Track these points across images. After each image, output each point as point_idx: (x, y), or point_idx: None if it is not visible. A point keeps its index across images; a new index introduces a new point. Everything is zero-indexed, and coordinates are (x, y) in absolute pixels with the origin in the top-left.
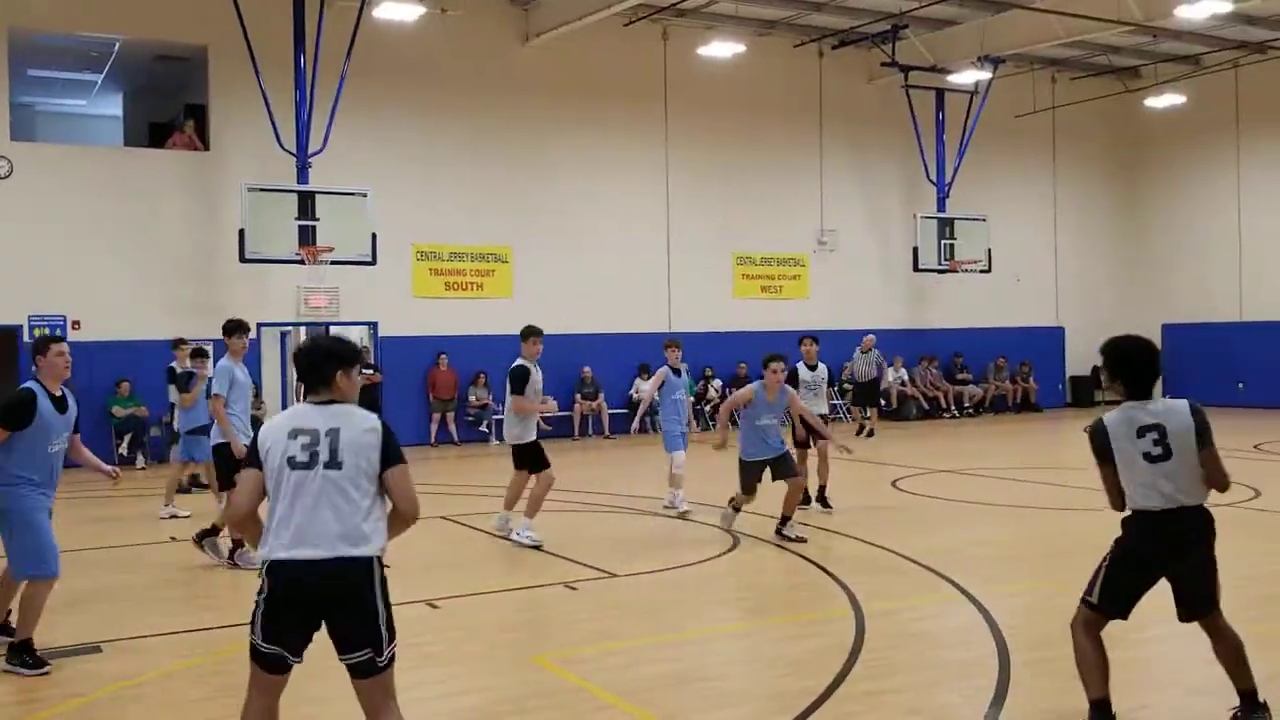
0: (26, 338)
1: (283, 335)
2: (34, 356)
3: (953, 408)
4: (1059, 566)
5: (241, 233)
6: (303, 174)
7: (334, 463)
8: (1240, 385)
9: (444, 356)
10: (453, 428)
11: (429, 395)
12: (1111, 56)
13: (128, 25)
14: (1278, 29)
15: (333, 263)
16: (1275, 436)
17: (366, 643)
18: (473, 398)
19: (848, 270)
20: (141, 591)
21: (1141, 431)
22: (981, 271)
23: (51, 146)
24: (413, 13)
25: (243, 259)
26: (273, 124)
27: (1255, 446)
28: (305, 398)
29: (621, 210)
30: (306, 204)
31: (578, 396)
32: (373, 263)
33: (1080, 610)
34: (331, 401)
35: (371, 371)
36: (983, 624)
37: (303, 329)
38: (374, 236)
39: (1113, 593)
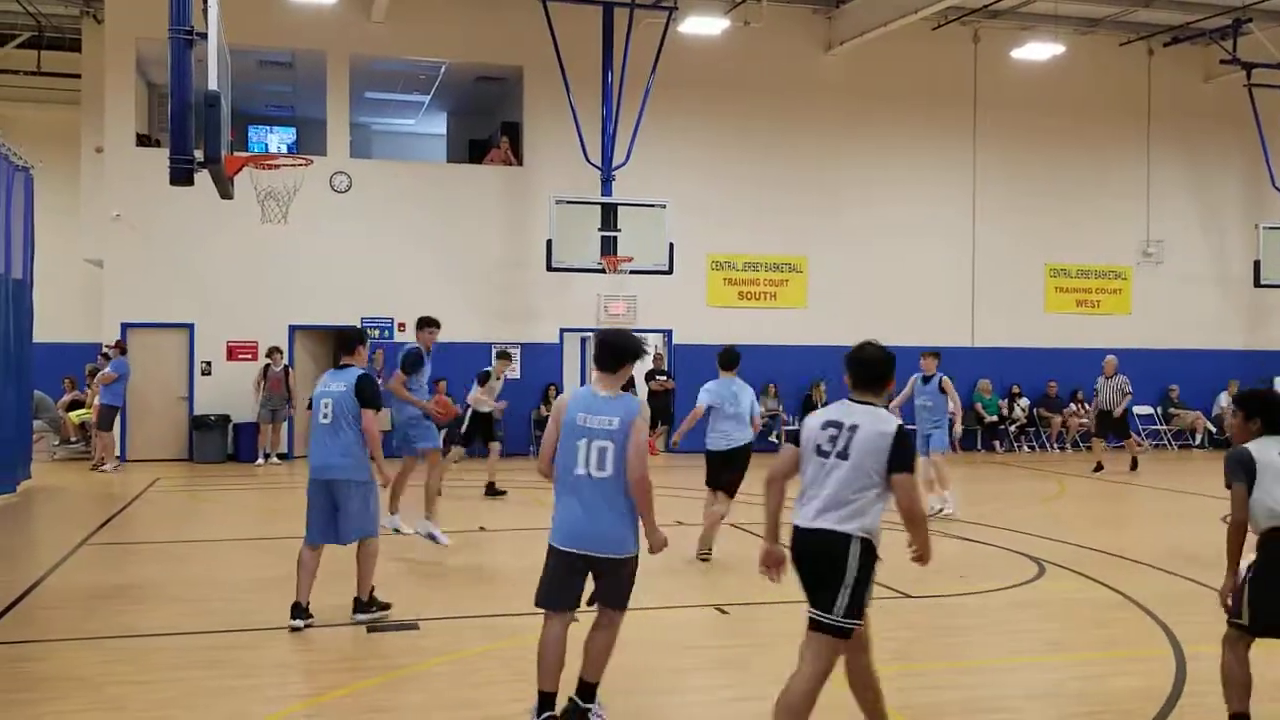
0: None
1: (583, 340)
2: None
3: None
4: None
5: (549, 243)
6: (606, 186)
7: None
8: None
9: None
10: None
11: None
12: None
13: (452, 50)
14: None
15: (632, 272)
16: None
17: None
18: (762, 408)
19: (1177, 284)
20: (451, 575)
21: None
22: None
23: (384, 163)
24: (717, 26)
25: (549, 268)
26: (580, 139)
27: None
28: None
29: (924, 219)
30: (609, 215)
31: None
32: (669, 272)
33: (1230, 630)
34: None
35: (665, 378)
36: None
37: None
38: (671, 246)
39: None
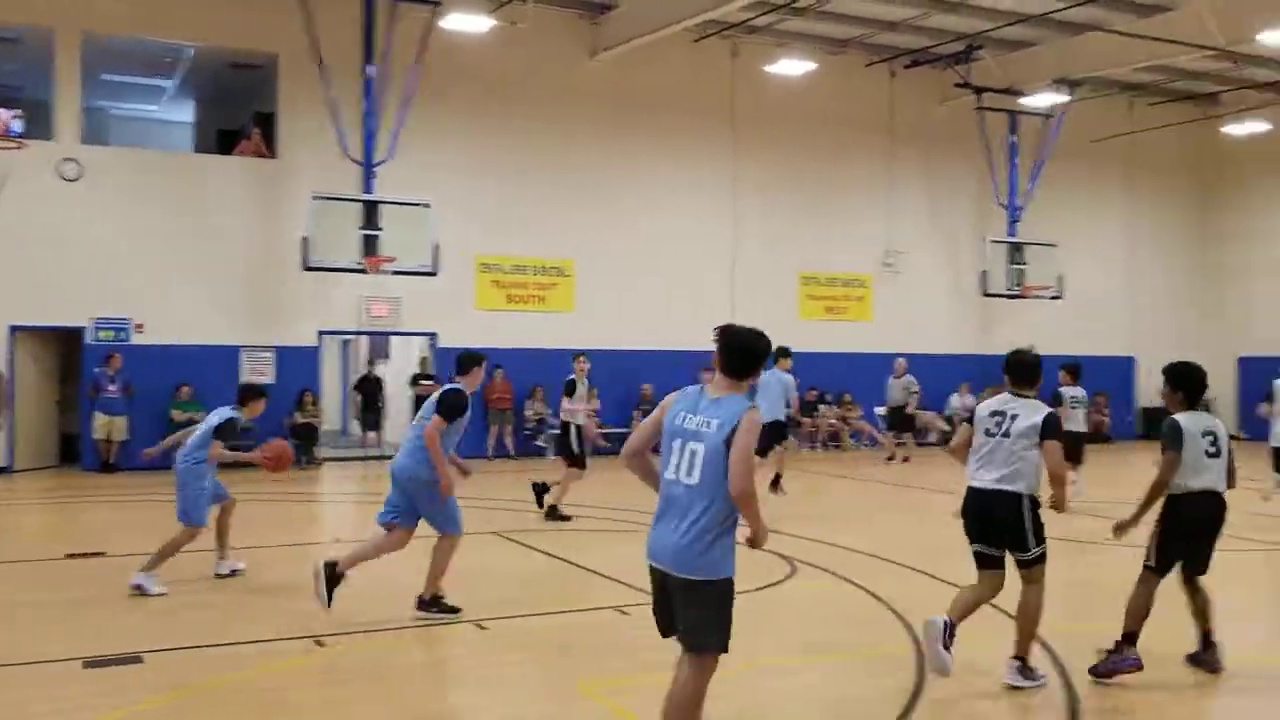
0: (90, 339)
1: (344, 343)
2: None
3: None
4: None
5: (305, 240)
6: (367, 183)
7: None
8: None
9: (500, 370)
10: (509, 441)
11: (485, 408)
12: (1191, 82)
13: (200, 32)
14: None
15: (395, 273)
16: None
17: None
18: (529, 411)
19: (913, 293)
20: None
21: (1205, 434)
22: (1052, 298)
23: (123, 150)
24: (482, 25)
25: (306, 267)
26: (339, 133)
27: (1262, 498)
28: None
29: (686, 226)
30: (370, 214)
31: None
32: (434, 273)
33: (1143, 570)
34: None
35: (430, 382)
36: (1050, 666)
37: (364, 337)
38: (436, 247)
39: (1166, 558)
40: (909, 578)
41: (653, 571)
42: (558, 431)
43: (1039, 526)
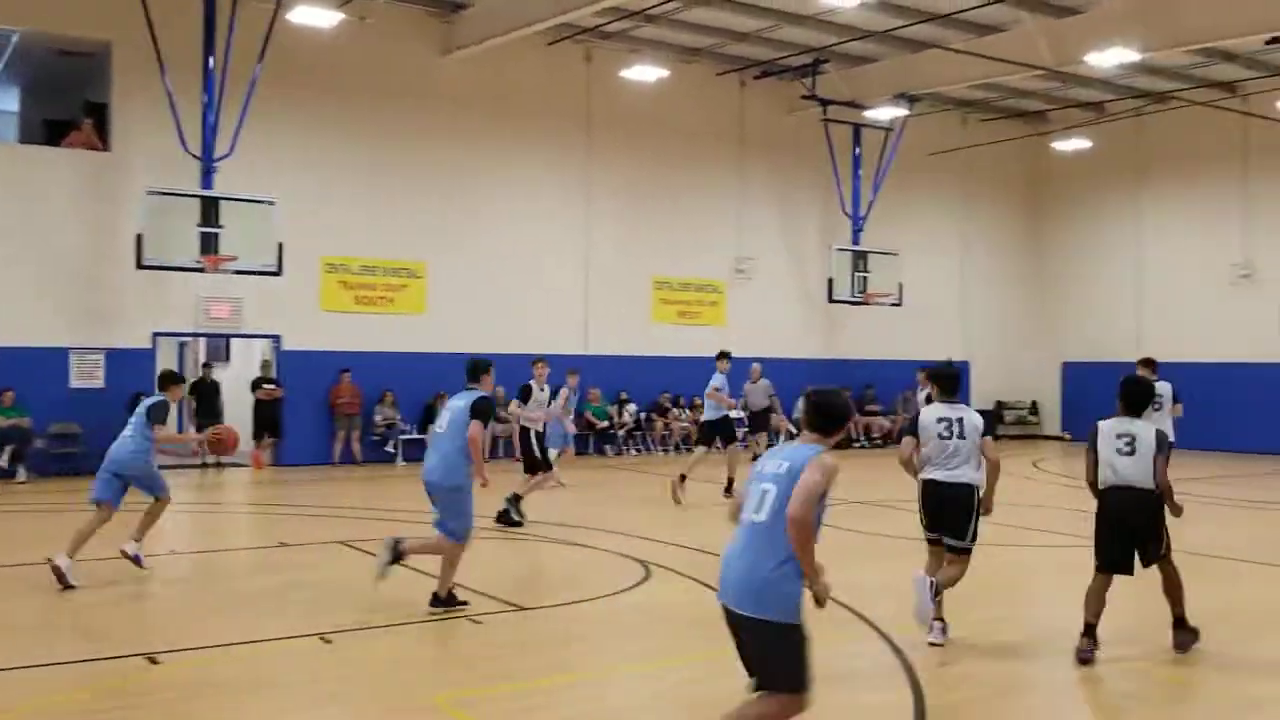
0: None
1: (181, 345)
2: None
3: (862, 438)
4: (970, 604)
5: (139, 238)
6: (207, 179)
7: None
8: None
9: (347, 374)
10: (356, 447)
11: (331, 413)
12: (1022, 100)
13: (23, 16)
14: (1179, 80)
15: (236, 272)
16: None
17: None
18: (378, 417)
19: (764, 299)
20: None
21: (1119, 436)
22: (893, 305)
23: None
24: (329, 19)
25: (140, 265)
26: (178, 126)
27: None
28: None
29: (539, 229)
30: (210, 210)
31: None
32: (278, 273)
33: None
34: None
35: (273, 386)
36: (898, 665)
37: (202, 339)
38: (280, 246)
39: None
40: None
41: (723, 609)
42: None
43: (977, 521)
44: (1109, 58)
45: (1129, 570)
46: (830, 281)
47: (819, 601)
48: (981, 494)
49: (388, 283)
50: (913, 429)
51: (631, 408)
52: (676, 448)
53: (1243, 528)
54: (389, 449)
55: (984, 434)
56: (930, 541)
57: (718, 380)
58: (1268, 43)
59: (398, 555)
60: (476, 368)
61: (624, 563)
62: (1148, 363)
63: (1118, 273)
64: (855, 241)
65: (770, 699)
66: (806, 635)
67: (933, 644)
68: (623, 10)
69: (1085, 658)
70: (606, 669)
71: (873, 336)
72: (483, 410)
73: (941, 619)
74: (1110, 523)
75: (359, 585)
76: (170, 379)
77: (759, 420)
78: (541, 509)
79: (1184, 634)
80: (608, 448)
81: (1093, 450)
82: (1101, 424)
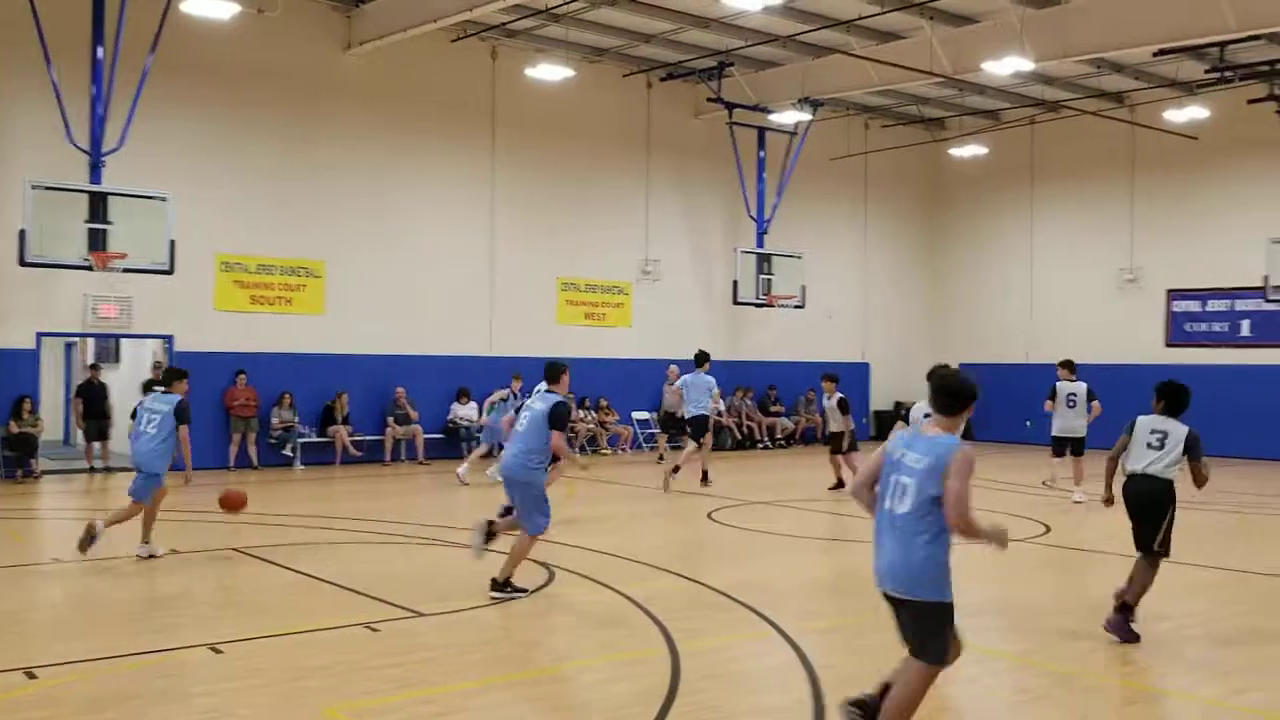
0: None
1: (68, 346)
2: None
3: (765, 439)
4: (868, 601)
5: (22, 233)
6: (95, 173)
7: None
8: (1028, 423)
9: (243, 375)
10: (253, 451)
11: (227, 415)
12: (921, 107)
13: None
14: (1071, 90)
15: (126, 270)
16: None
17: None
18: (276, 419)
19: (670, 300)
20: None
21: (1153, 431)
22: (796, 307)
23: None
24: (226, 10)
25: (23, 262)
26: (64, 117)
27: (1042, 484)
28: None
29: (443, 229)
30: (99, 206)
31: (390, 420)
32: (170, 272)
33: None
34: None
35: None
36: (798, 664)
37: (90, 340)
38: (172, 244)
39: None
40: (664, 580)
41: (885, 596)
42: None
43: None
44: (1004, 66)
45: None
46: (735, 283)
47: (1004, 545)
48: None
49: (285, 282)
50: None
51: None
52: (582, 449)
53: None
54: (287, 452)
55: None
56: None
57: (711, 382)
58: (1155, 55)
59: (490, 535)
60: (555, 370)
61: (526, 566)
62: (1067, 364)
63: (1011, 277)
64: (759, 244)
65: (916, 665)
66: (953, 611)
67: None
68: (528, 8)
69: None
70: (510, 675)
71: (777, 339)
72: (560, 418)
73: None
74: (1128, 508)
75: (252, 593)
76: (175, 374)
77: (672, 422)
78: (438, 513)
79: (1121, 620)
80: None
81: (1127, 434)
82: (1140, 418)
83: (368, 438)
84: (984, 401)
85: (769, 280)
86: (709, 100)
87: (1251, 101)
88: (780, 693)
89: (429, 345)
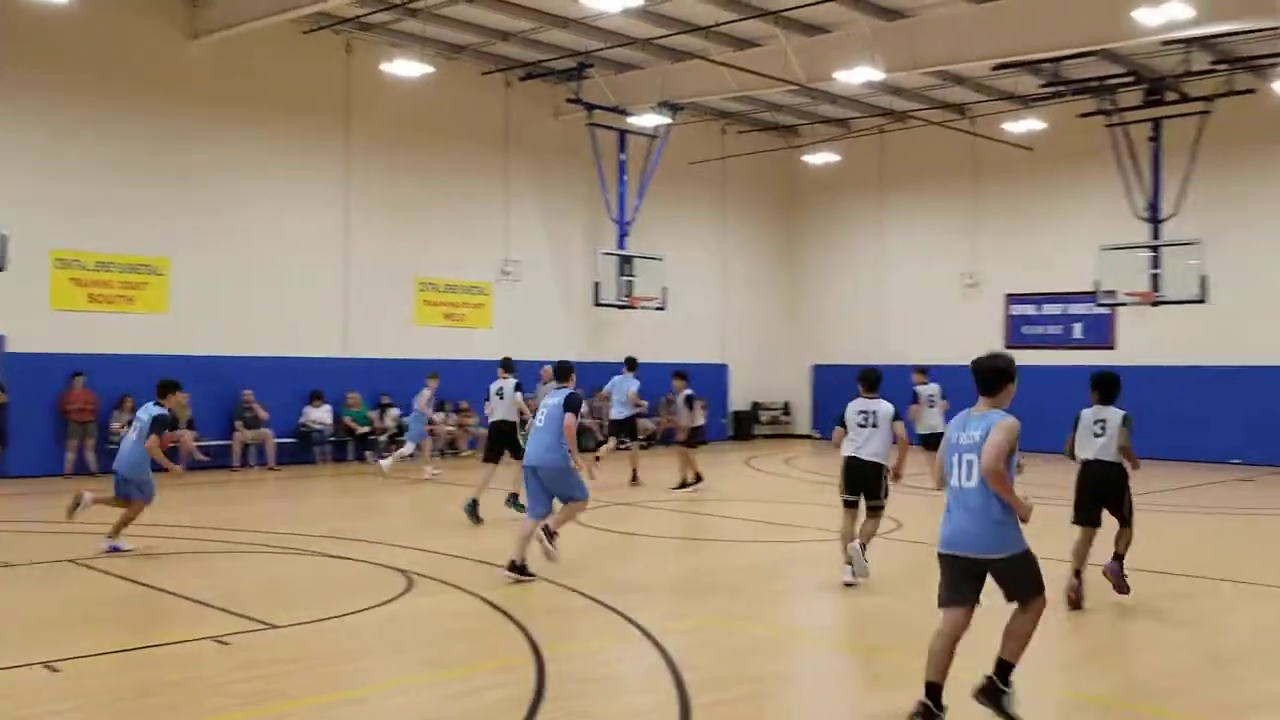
0: None
1: None
2: None
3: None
4: (731, 600)
5: None
6: None
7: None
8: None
9: (80, 378)
10: (91, 457)
11: (62, 420)
12: (776, 114)
13: None
14: (917, 100)
15: None
16: (914, 470)
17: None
18: (115, 424)
19: (531, 301)
20: None
21: (1096, 421)
22: (657, 309)
23: None
24: None
25: None
26: None
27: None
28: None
29: (295, 226)
30: None
31: (238, 424)
32: (1, 269)
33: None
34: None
35: None
36: (663, 665)
37: None
38: (4, 240)
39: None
40: (527, 584)
41: (950, 559)
42: None
43: (887, 486)
44: (855, 76)
45: (1098, 524)
46: (596, 285)
47: (1027, 521)
48: (890, 466)
49: (126, 280)
50: (841, 421)
51: (394, 412)
52: (441, 453)
53: None
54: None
55: (894, 419)
56: (846, 504)
57: (634, 385)
58: (994, 69)
59: (550, 535)
60: (566, 369)
61: (385, 573)
62: (921, 369)
63: (862, 280)
64: (621, 246)
65: (1027, 608)
66: (1033, 552)
67: (848, 583)
68: (384, 2)
69: (1074, 598)
70: (370, 687)
71: (639, 340)
72: (574, 404)
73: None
74: (1087, 488)
75: (91, 607)
76: (169, 387)
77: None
78: (289, 520)
79: (1118, 567)
80: (369, 454)
81: (1074, 430)
82: (1083, 411)
83: (215, 442)
84: (836, 402)
85: (630, 282)
86: (569, 101)
87: (1082, 115)
88: (647, 694)
89: (280, 346)
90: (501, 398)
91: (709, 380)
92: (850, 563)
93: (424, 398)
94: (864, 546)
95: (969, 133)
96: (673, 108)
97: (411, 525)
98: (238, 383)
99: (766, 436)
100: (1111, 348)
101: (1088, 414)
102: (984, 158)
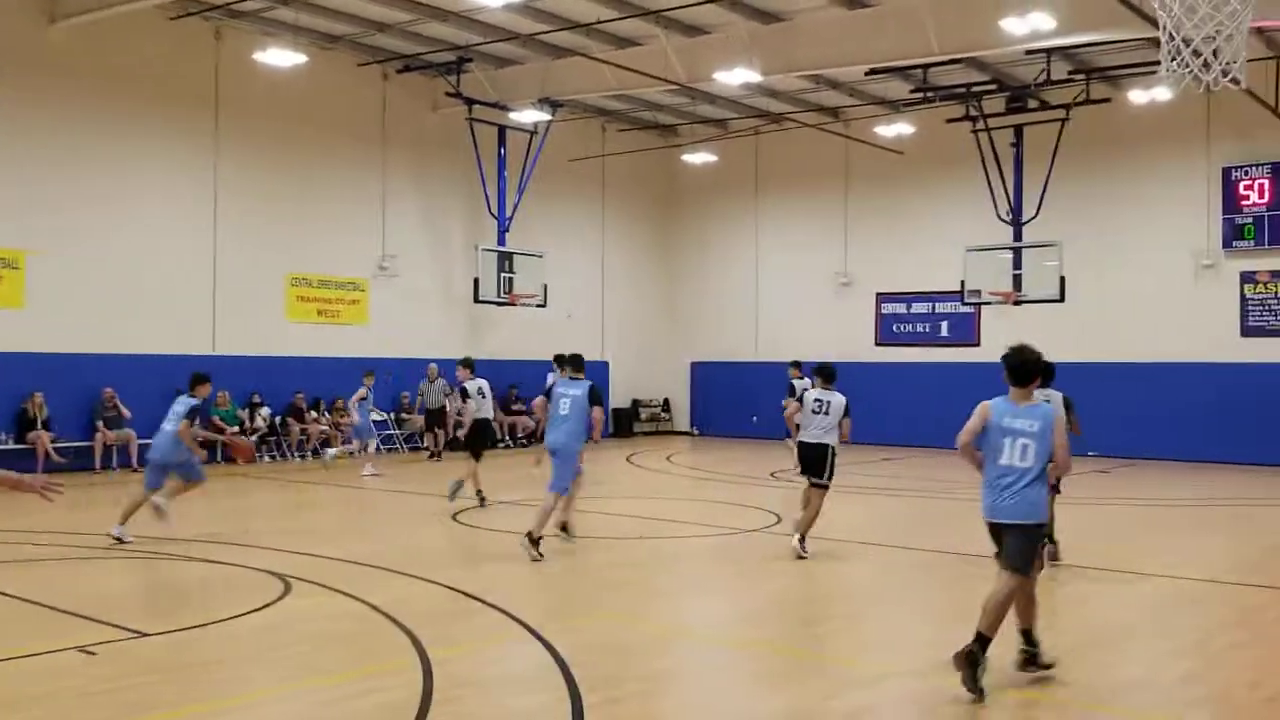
0: None
1: None
2: None
3: (508, 438)
4: (617, 597)
5: None
6: None
7: None
8: (754, 419)
9: None
10: None
11: None
12: (656, 113)
13: None
14: (793, 103)
15: None
16: (788, 465)
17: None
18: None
19: (409, 298)
20: None
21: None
22: (538, 306)
23: None
24: None
25: None
26: None
27: (770, 474)
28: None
29: (161, 219)
30: None
31: (99, 424)
32: None
33: None
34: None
35: None
36: (552, 664)
37: None
38: None
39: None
40: (407, 584)
41: (990, 526)
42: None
43: (834, 467)
44: (734, 77)
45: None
46: (476, 281)
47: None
48: (835, 450)
49: None
50: (799, 400)
51: (265, 411)
52: (314, 453)
53: (854, 510)
54: None
55: (845, 414)
56: (811, 483)
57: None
58: (866, 74)
59: (564, 528)
60: (579, 361)
61: (261, 578)
62: (796, 364)
63: (739, 279)
64: (501, 242)
65: (1012, 582)
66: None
67: (802, 556)
68: None
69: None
70: (248, 694)
71: (520, 338)
72: (598, 397)
73: (804, 539)
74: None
75: None
76: (198, 378)
77: (435, 418)
78: (155, 523)
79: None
80: (238, 456)
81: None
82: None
83: (74, 444)
84: (714, 399)
85: (510, 279)
86: (448, 95)
87: (950, 121)
88: (538, 694)
89: (145, 344)
90: (484, 396)
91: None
92: (802, 540)
93: (359, 395)
94: (803, 539)
95: (842, 135)
96: (553, 104)
97: (288, 528)
98: (99, 381)
99: (647, 433)
100: (976, 345)
101: (1038, 396)
102: (856, 160)
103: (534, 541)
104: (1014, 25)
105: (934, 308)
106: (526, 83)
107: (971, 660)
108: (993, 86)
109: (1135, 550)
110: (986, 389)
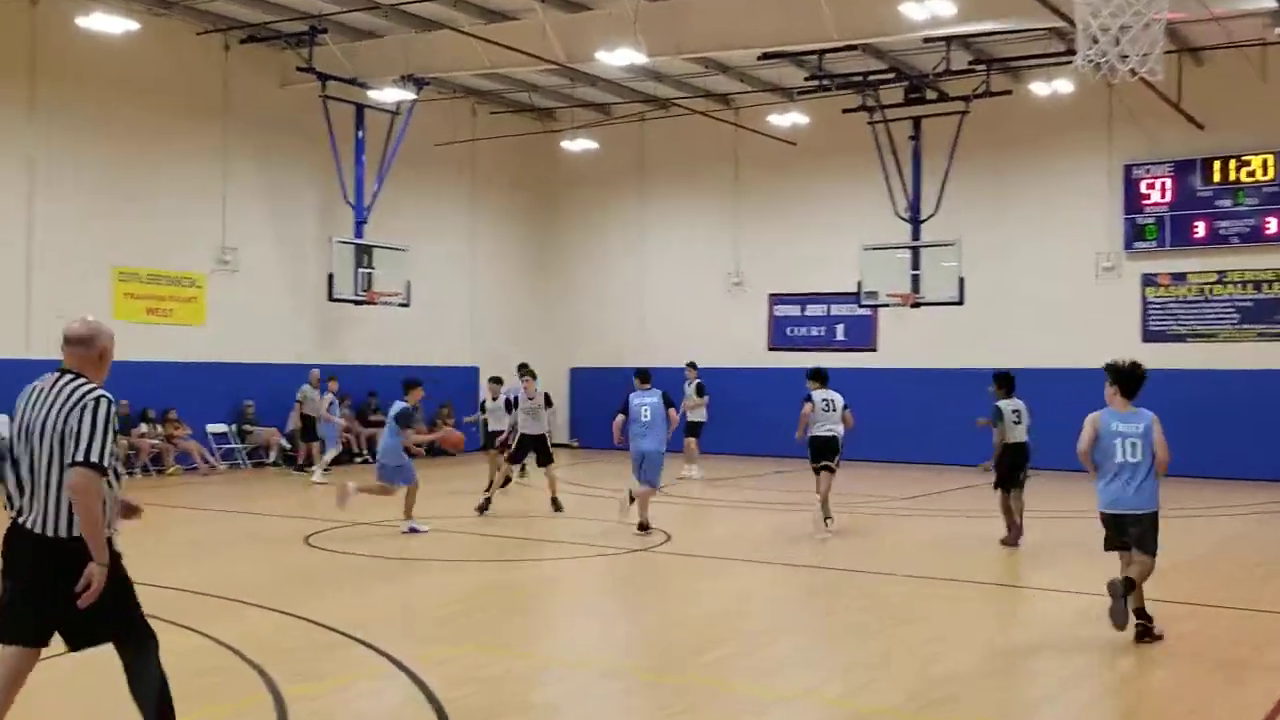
0: None
1: None
2: None
3: (366, 452)
4: (490, 625)
5: None
6: None
7: None
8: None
9: None
10: None
11: None
12: (532, 94)
13: None
14: (680, 89)
15: None
16: (687, 474)
17: None
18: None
19: (253, 294)
20: None
21: (1014, 411)
22: (400, 305)
23: None
24: None
25: None
26: None
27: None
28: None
29: None
30: None
31: None
32: None
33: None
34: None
35: None
36: (421, 699)
37: None
38: None
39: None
40: (260, 617)
41: (1114, 517)
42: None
43: (840, 454)
44: (618, 58)
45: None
46: (331, 277)
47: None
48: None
49: None
50: (811, 401)
51: None
52: (145, 469)
53: (733, 525)
54: None
55: (845, 406)
56: (815, 470)
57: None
58: (759, 59)
59: (635, 499)
60: (646, 373)
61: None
62: (692, 365)
63: (623, 278)
64: (359, 234)
65: (1147, 563)
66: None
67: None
68: None
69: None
70: None
71: (380, 339)
72: (670, 401)
73: (830, 517)
74: (1012, 466)
75: None
76: (410, 384)
77: (312, 429)
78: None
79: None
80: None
81: (1000, 420)
82: (1000, 403)
83: None
84: (597, 408)
85: (370, 274)
86: (299, 69)
87: (846, 111)
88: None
89: None
90: (534, 417)
91: (459, 384)
92: (827, 519)
93: (325, 401)
94: (825, 504)
95: (733, 124)
96: (417, 82)
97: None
98: None
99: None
100: (874, 349)
101: (1005, 405)
102: (747, 151)
103: (644, 528)
104: (913, 10)
105: (829, 310)
106: (387, 58)
107: (1128, 588)
108: (890, 76)
109: (1033, 566)
110: (886, 397)
